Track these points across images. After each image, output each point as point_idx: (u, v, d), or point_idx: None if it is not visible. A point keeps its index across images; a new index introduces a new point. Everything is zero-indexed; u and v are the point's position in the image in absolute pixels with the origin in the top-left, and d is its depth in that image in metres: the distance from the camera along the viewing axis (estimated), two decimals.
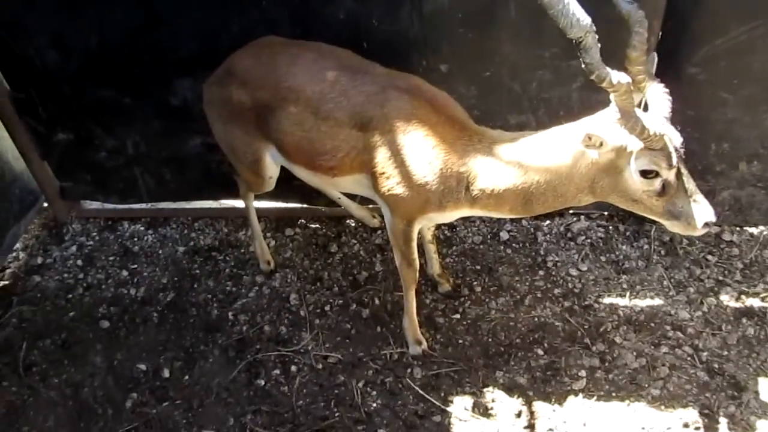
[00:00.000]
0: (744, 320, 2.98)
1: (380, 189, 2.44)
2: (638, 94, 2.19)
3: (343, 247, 3.55)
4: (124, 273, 3.56)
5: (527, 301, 3.16)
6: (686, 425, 2.65)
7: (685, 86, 2.81)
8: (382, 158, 2.36)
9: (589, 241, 3.43)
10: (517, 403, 2.77)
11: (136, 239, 3.76)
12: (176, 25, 2.93)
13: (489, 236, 3.50)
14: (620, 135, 1.96)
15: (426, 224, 2.82)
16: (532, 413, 2.73)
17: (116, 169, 3.55)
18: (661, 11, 2.63)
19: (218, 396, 2.92)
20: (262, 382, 2.95)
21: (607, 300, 3.13)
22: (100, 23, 2.96)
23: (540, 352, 2.94)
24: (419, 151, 2.30)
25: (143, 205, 3.81)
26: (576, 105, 3.00)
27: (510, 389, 2.81)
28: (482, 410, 2.76)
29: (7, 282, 3.57)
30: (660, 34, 2.72)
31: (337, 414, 2.80)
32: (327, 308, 3.25)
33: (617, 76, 1.81)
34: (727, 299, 3.07)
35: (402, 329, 3.02)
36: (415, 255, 2.72)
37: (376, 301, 3.25)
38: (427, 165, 2.30)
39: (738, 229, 3.36)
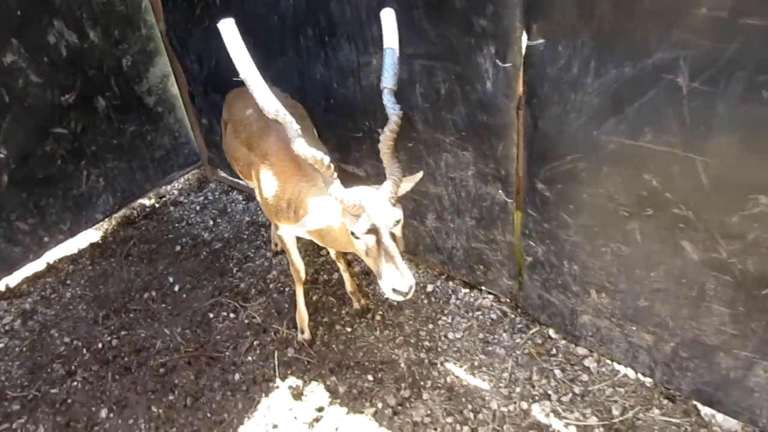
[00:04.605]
0: None
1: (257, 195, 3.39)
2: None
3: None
4: (211, 222, 5.11)
5: (399, 340, 3.64)
6: None
7: (537, 199, 2.96)
8: (254, 173, 3.31)
9: (482, 317, 3.65)
10: (325, 401, 3.37)
11: (233, 204, 5.29)
12: None
13: (420, 286, 4.00)
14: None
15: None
16: (331, 417, 3.28)
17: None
18: (512, 123, 2.82)
19: (186, 312, 4.19)
20: (211, 315, 4.13)
21: (449, 365, 3.41)
22: (219, 49, 4.45)
23: (369, 378, 3.45)
24: (266, 176, 3.17)
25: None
26: (472, 190, 3.32)
27: (331, 392, 3.41)
28: (299, 395, 3.43)
29: (158, 205, 5.46)
30: (523, 144, 2.94)
31: (222, 349, 3.82)
32: (287, 289, 4.24)
33: (310, 151, 2.41)
34: (537, 410, 3.06)
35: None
36: (295, 258, 3.56)
37: (314, 298, 4.11)
38: (268, 186, 3.16)
39: (608, 361, 3.19)
